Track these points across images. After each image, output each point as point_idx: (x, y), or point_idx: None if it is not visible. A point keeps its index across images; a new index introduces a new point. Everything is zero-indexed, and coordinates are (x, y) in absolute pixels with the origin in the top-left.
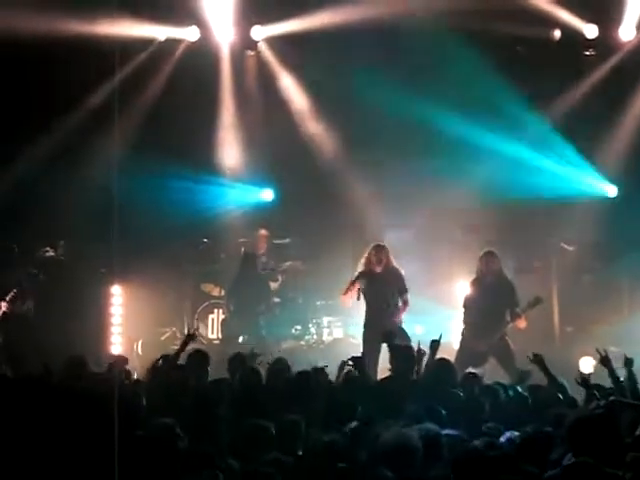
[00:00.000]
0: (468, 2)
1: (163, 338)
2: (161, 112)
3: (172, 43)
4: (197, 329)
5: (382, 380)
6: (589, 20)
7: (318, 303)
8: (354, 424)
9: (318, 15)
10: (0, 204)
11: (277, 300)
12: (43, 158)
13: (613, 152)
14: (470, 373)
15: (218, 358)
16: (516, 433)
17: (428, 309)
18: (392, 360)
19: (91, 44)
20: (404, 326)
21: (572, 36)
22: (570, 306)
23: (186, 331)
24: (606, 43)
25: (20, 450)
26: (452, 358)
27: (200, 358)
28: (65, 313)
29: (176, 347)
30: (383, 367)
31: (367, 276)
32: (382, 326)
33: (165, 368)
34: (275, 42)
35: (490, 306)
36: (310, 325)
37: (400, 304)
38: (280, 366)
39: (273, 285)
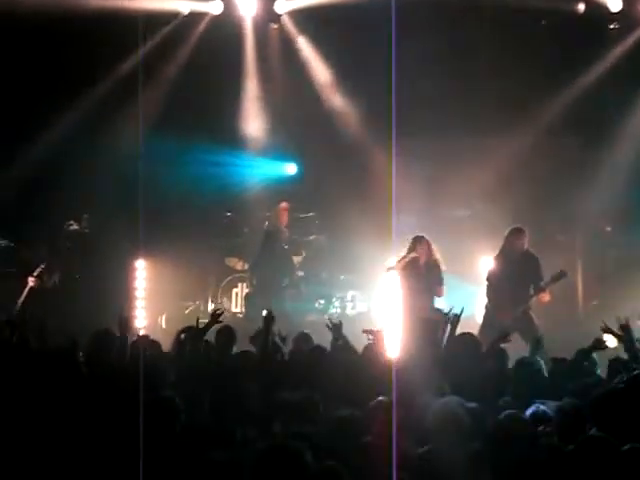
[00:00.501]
0: None
1: (187, 312)
2: (185, 86)
3: (196, 16)
4: (222, 309)
5: (401, 355)
6: None
7: (342, 277)
8: (379, 398)
9: None
10: (24, 177)
11: (301, 274)
12: (68, 132)
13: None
14: (494, 347)
15: (241, 332)
16: (542, 407)
17: (452, 285)
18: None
19: (116, 17)
20: None
21: (596, 9)
22: (594, 280)
23: (210, 305)
24: (630, 16)
25: (45, 421)
26: (476, 332)
27: (227, 334)
28: (90, 287)
29: (200, 321)
30: None
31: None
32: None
33: (189, 340)
34: (298, 15)
35: (514, 280)
36: (334, 299)
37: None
38: (303, 341)
39: (296, 259)
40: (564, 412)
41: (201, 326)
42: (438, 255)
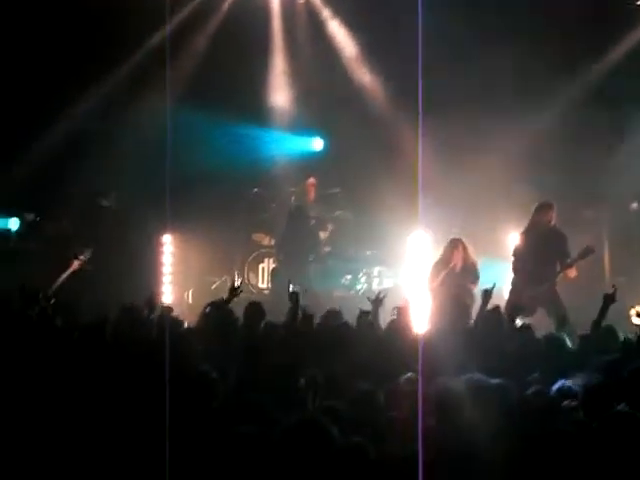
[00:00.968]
0: None
1: (213, 287)
2: (212, 60)
3: None
4: (242, 281)
5: (430, 329)
6: None
7: (368, 253)
8: (408, 375)
9: None
10: (51, 153)
11: (327, 250)
12: (95, 107)
13: None
14: (511, 318)
15: (267, 307)
16: (568, 383)
17: (480, 261)
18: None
19: None
20: None
21: None
22: (621, 256)
23: (237, 280)
24: None
25: (75, 397)
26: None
27: (255, 310)
28: (117, 263)
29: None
30: None
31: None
32: None
33: (214, 314)
34: None
35: (541, 256)
36: (360, 275)
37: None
38: (332, 317)
39: (323, 235)
40: (590, 388)
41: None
42: (474, 256)
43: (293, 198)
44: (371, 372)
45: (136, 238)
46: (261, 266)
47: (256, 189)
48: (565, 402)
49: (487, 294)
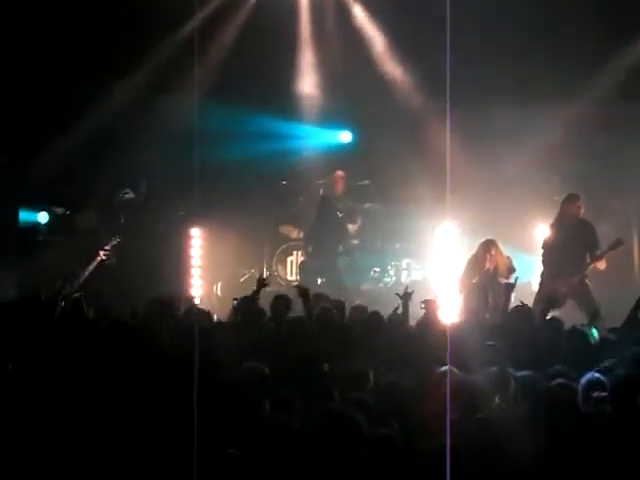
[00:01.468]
0: None
1: (242, 280)
2: (240, 53)
3: None
4: (271, 274)
5: (457, 322)
6: None
7: (397, 245)
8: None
9: None
10: (81, 146)
11: (356, 242)
12: (123, 99)
13: None
14: (544, 314)
15: (296, 300)
16: (597, 374)
17: (508, 254)
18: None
19: None
20: None
21: None
22: None
23: (265, 273)
24: None
25: (104, 390)
26: (531, 299)
27: (281, 303)
28: (145, 254)
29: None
30: None
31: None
32: None
33: (243, 309)
34: None
35: (570, 248)
36: (389, 267)
37: None
38: (359, 312)
39: (352, 227)
40: (618, 381)
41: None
42: (507, 258)
43: (321, 191)
44: (400, 365)
45: (165, 230)
46: (289, 259)
47: (284, 182)
48: (594, 394)
49: (509, 287)
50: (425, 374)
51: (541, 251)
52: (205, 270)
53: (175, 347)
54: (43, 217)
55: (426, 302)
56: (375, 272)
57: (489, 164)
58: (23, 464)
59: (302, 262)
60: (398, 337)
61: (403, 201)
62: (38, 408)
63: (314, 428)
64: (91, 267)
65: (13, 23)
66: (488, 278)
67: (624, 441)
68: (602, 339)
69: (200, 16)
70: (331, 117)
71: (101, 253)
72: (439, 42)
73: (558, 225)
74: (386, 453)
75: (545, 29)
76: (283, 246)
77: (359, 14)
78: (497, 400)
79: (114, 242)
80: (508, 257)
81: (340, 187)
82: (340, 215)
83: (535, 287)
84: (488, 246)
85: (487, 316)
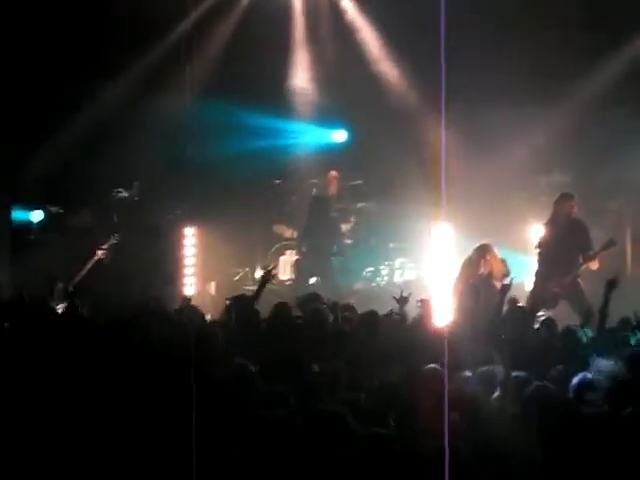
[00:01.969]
0: None
1: (236, 279)
2: (235, 52)
3: None
4: (273, 268)
5: (451, 323)
6: None
7: (391, 245)
8: (430, 366)
9: None
10: (75, 145)
11: (349, 242)
12: (118, 98)
13: None
14: (544, 316)
15: (289, 299)
16: (589, 375)
17: (502, 254)
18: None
19: None
20: None
21: None
22: None
23: (258, 272)
24: None
25: (96, 388)
26: (524, 299)
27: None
28: (139, 253)
29: (248, 287)
30: None
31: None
32: None
33: (238, 308)
34: None
35: (563, 248)
36: (382, 267)
37: None
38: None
39: (345, 227)
40: (616, 381)
41: (249, 294)
42: (501, 262)
43: (314, 190)
44: (395, 364)
45: (159, 230)
46: (283, 258)
47: (278, 181)
48: (587, 395)
49: (505, 288)
50: (419, 373)
51: (535, 251)
52: (199, 269)
53: (167, 345)
54: (37, 216)
55: (423, 302)
56: (368, 272)
57: (484, 164)
58: (14, 462)
59: (295, 261)
60: (393, 337)
61: (397, 201)
62: (30, 407)
63: (305, 427)
64: (88, 266)
65: (7, 22)
66: (482, 281)
67: (621, 441)
68: (593, 339)
69: (195, 14)
70: (326, 116)
71: (99, 252)
72: (434, 42)
73: (551, 225)
74: (380, 452)
75: (538, 30)
76: (276, 245)
77: (354, 14)
78: (491, 400)
79: (112, 241)
80: (503, 260)
81: (334, 186)
82: (334, 214)
83: (529, 287)
84: (483, 251)
85: (481, 316)
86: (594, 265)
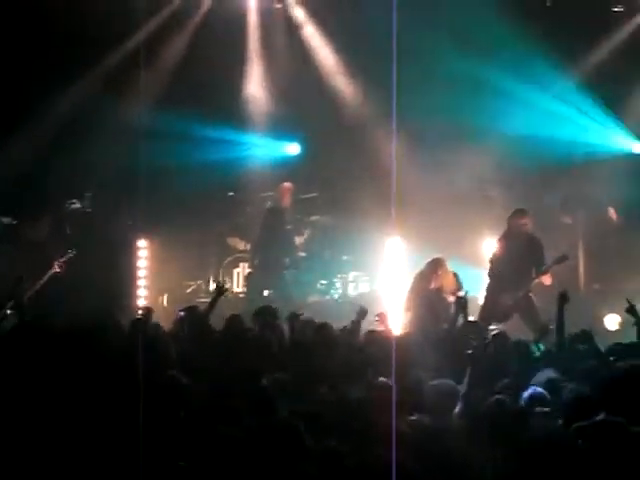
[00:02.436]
0: None
1: (189, 291)
2: (188, 65)
3: None
4: (225, 282)
5: (404, 335)
6: None
7: (344, 258)
8: (380, 379)
9: None
10: (27, 155)
11: (303, 254)
12: (70, 109)
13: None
14: (496, 330)
15: (243, 312)
16: (539, 389)
17: (455, 268)
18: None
19: None
20: None
21: None
22: (596, 264)
23: (211, 284)
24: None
25: (46, 396)
26: (477, 313)
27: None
28: (92, 265)
29: (201, 300)
30: None
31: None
32: None
33: (190, 320)
34: None
35: (516, 263)
36: (335, 280)
37: None
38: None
39: (299, 239)
40: (572, 396)
41: (204, 306)
42: (453, 276)
43: (269, 203)
44: (347, 377)
45: (111, 241)
46: (236, 271)
47: (232, 193)
48: (537, 408)
49: (460, 301)
50: (372, 387)
51: (488, 265)
52: (151, 281)
53: (119, 357)
54: None
55: (380, 315)
56: (322, 284)
57: (437, 177)
58: None
59: (249, 274)
60: (346, 350)
61: (350, 214)
62: None
63: (257, 441)
64: (44, 279)
65: None
66: (433, 294)
67: (572, 456)
68: (546, 352)
69: (148, 27)
70: (279, 129)
71: (55, 265)
72: (387, 55)
73: (505, 239)
74: (332, 466)
75: (494, 43)
76: (230, 258)
77: (307, 27)
78: (443, 413)
79: (69, 254)
80: (455, 274)
81: (287, 199)
82: (287, 227)
83: (481, 301)
84: (435, 265)
85: (435, 330)
86: (547, 280)
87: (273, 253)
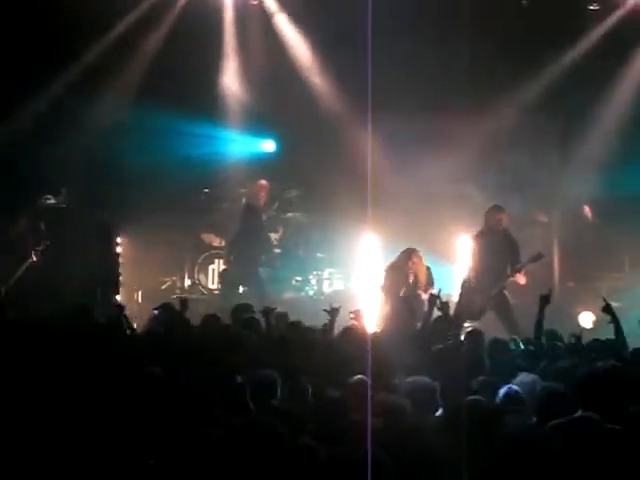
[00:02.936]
0: None
1: (163, 287)
2: (164, 61)
3: None
4: (194, 282)
5: (380, 333)
6: None
7: (319, 255)
8: (356, 377)
9: None
10: (1, 152)
11: (278, 251)
12: (45, 106)
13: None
14: (470, 328)
15: (218, 308)
16: (514, 387)
17: (430, 264)
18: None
19: None
20: None
21: None
22: (571, 262)
23: (186, 281)
24: None
25: (22, 391)
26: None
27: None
28: (67, 260)
29: (176, 296)
30: None
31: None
32: None
33: (165, 317)
34: None
35: (492, 261)
36: (310, 277)
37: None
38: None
39: (274, 236)
40: (545, 394)
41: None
42: (426, 269)
43: (244, 199)
44: (323, 374)
45: (86, 237)
46: (211, 267)
47: (207, 189)
48: (512, 406)
49: (433, 298)
50: (347, 384)
51: (462, 261)
52: (126, 277)
53: (94, 352)
54: None
55: (355, 312)
56: (297, 281)
57: (412, 175)
58: None
59: (224, 270)
60: (321, 347)
61: (326, 211)
62: None
63: (231, 439)
64: (22, 268)
65: None
66: (410, 289)
67: (547, 453)
68: (523, 350)
69: (124, 23)
70: (255, 125)
71: (33, 255)
72: (362, 52)
73: (481, 237)
74: (307, 463)
75: (470, 40)
76: (205, 254)
77: (283, 24)
78: (417, 411)
79: (43, 245)
80: (428, 268)
81: (263, 196)
82: (263, 224)
83: (456, 298)
84: (409, 254)
85: (412, 326)
86: (521, 279)
87: (248, 250)
